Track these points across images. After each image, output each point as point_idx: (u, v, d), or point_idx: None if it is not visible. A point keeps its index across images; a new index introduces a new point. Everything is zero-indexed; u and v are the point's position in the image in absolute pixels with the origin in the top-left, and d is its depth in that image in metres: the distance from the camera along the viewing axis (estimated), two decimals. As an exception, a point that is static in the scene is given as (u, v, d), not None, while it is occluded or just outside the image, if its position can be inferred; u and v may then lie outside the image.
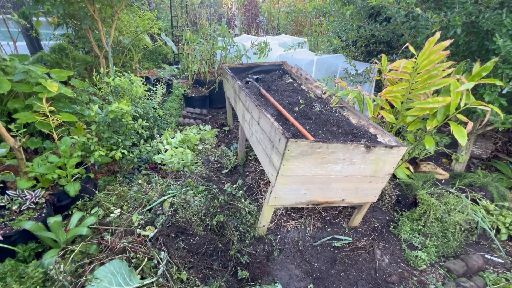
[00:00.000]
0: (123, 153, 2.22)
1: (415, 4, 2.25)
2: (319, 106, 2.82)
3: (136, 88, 2.66)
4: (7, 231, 1.76)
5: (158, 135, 3.44)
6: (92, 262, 1.68)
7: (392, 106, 2.90)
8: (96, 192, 2.35)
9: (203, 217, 2.09)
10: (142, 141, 2.62)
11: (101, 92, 2.83)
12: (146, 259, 1.63)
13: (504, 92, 2.57)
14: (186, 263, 1.80)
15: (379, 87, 4.03)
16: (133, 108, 2.49)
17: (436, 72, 2.17)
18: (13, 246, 1.70)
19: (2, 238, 1.63)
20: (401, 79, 2.39)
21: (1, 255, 1.66)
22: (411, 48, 2.18)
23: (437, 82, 2.22)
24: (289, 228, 2.42)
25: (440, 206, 2.40)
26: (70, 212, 2.19)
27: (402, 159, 3.26)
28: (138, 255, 1.61)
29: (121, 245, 1.66)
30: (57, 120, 2.58)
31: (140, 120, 2.60)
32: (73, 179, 2.22)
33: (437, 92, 2.70)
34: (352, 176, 2.03)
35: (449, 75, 2.22)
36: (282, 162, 1.77)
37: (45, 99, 2.54)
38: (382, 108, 2.84)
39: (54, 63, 4.50)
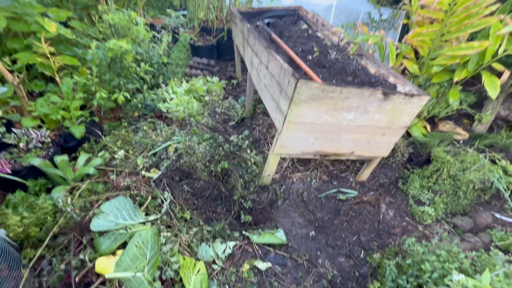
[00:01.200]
0: (126, 97, 2.15)
1: None
2: (335, 54, 2.56)
3: (137, 27, 2.47)
4: (16, 167, 1.80)
5: (164, 85, 3.32)
6: (99, 200, 1.73)
7: (416, 57, 2.62)
8: (102, 136, 2.35)
9: (207, 163, 2.07)
10: (146, 87, 2.52)
11: (101, 34, 2.66)
12: (150, 197, 1.66)
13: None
14: (190, 205, 1.83)
15: (403, 36, 3.63)
16: (134, 48, 2.33)
17: (477, 9, 1.86)
18: (23, 180, 1.75)
19: (10, 172, 1.68)
20: (433, 20, 2.08)
21: (12, 188, 1.72)
22: (451, -22, 1.84)
23: (475, 22, 1.92)
24: (295, 180, 2.40)
25: (455, 164, 2.28)
26: (77, 154, 2.22)
27: (419, 116, 3.06)
28: (142, 193, 1.63)
29: (125, 183, 1.68)
30: (58, 62, 2.49)
31: (143, 64, 2.46)
32: (78, 121, 2.20)
33: (471, 40, 2.37)
34: (365, 126, 1.90)
35: (491, 14, 1.90)
36: (291, 107, 1.65)
37: (43, 38, 2.41)
38: (405, 58, 2.57)
39: (54, 6, 4.25)
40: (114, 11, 2.54)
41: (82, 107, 2.32)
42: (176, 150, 2.11)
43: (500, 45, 1.99)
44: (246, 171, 2.32)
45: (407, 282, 1.35)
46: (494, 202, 2.38)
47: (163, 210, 1.62)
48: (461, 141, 3.18)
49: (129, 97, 2.13)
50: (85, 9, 4.36)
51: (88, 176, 1.91)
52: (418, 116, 3.01)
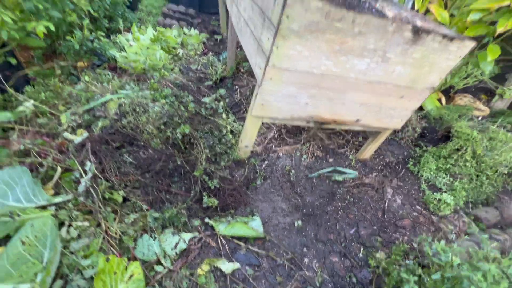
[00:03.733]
0: (48, 28, 1.52)
1: None
2: (342, -8, 1.94)
3: None
4: None
5: (125, 33, 2.64)
6: (-4, 169, 1.18)
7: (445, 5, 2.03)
8: (28, 85, 1.74)
9: (162, 127, 1.52)
10: (86, 22, 1.86)
11: None
12: (60, 169, 1.12)
13: None
14: (132, 182, 1.31)
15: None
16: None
17: None
18: None
19: None
20: None
21: None
22: None
23: None
24: (281, 154, 1.89)
25: (483, 141, 1.80)
26: (-15, 107, 1.63)
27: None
28: (46, 162, 1.10)
29: (22, 146, 1.13)
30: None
31: (83, -9, 1.79)
32: (-16, 62, 1.58)
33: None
34: (380, 83, 1.37)
35: None
36: (276, 41, 1.08)
37: None
38: (430, 3, 1.98)
39: None
40: None
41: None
42: (120, 106, 1.54)
43: None
44: (218, 141, 1.79)
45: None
46: (520, 190, 1.96)
47: (80, 188, 1.10)
48: (479, 118, 2.71)
49: (52, 28, 1.50)
50: None
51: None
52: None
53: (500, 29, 1.67)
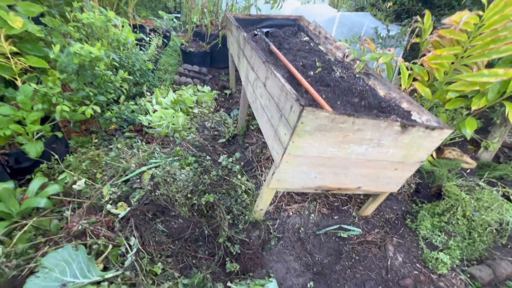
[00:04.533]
0: (95, 111, 1.81)
1: None
2: (339, 71, 2.30)
3: (115, 29, 2.14)
4: None
5: (148, 94, 2.98)
6: (49, 242, 1.37)
7: (428, 78, 2.39)
8: (67, 154, 1.99)
9: (189, 195, 1.74)
10: (123, 98, 2.18)
11: (76, 33, 2.31)
12: (111, 246, 1.31)
13: None
14: (164, 250, 1.49)
15: (410, 55, 3.43)
16: (108, 53, 1.99)
17: (506, 33, 1.63)
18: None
19: None
20: (456, 41, 1.85)
21: None
22: (483, -5, 1.61)
23: (502, 48, 1.69)
24: (291, 213, 2.09)
25: (471, 202, 2.03)
26: (32, 177, 1.85)
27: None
28: (100, 241, 1.29)
29: (80, 227, 1.33)
30: (21, 64, 2.12)
31: (121, 72, 2.12)
32: (36, 137, 1.83)
33: (490, 66, 2.16)
34: (377, 161, 1.63)
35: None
36: (292, 138, 1.35)
37: (3, 35, 2.05)
38: (415, 80, 2.33)
39: (32, -1, 3.86)
40: (91, 8, 2.21)
41: (45, 119, 1.96)
42: (152, 177, 1.77)
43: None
44: (235, 201, 2.00)
45: None
46: (510, 245, 2.14)
47: (126, 263, 1.28)
48: (468, 170, 2.97)
49: (99, 110, 1.79)
50: (69, 4, 3.99)
51: (39, 209, 1.55)
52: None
53: (474, 107, 1.98)
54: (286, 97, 1.42)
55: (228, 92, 3.79)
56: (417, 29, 2.32)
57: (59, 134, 1.91)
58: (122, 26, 2.60)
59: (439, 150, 3.14)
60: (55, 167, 1.89)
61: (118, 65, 2.18)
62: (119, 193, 1.64)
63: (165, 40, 4.37)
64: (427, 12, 2.21)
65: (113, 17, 2.17)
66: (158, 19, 4.58)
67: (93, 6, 2.43)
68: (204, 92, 3.44)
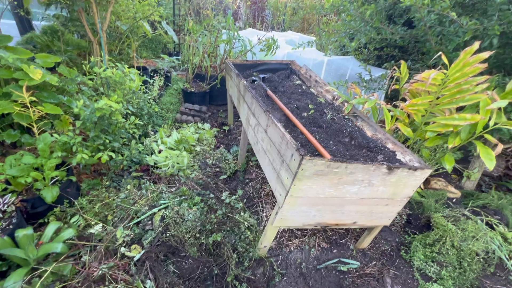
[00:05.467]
0: (110, 156, 1.96)
1: (450, 9, 2.00)
2: (330, 113, 2.58)
3: (129, 82, 2.38)
4: (-34, 245, 1.49)
5: (152, 132, 3.16)
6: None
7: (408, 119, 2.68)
8: (78, 198, 2.09)
9: (197, 235, 1.85)
10: (133, 142, 2.35)
11: (91, 82, 2.53)
12: (129, 290, 1.39)
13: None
14: (176, 291, 1.56)
15: (391, 95, 3.80)
16: (125, 105, 2.21)
17: (468, 86, 1.94)
18: (-29, 264, 1.44)
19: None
20: (428, 91, 2.15)
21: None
22: (444, 58, 1.94)
23: (467, 97, 1.99)
24: (292, 248, 2.20)
25: (457, 233, 2.19)
26: (46, 220, 1.93)
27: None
28: (118, 287, 1.37)
29: (100, 272, 1.41)
30: (39, 112, 2.30)
31: (132, 118, 2.32)
32: (51, 182, 1.95)
33: (461, 108, 2.48)
34: (369, 198, 1.81)
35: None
36: (294, 182, 1.53)
37: (25, 87, 2.25)
38: (397, 120, 2.62)
39: (45, 46, 4.15)
40: (107, 63, 2.46)
41: (59, 165, 2.09)
42: (162, 218, 1.88)
43: (490, 118, 2.06)
44: (239, 238, 2.10)
45: None
46: (498, 273, 2.27)
47: (143, 307, 1.36)
48: (454, 200, 3.17)
49: (114, 156, 1.94)
50: (78, 49, 4.29)
51: (55, 254, 1.62)
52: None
53: (450, 145, 2.24)
54: (287, 145, 1.62)
55: (226, 128, 4.01)
56: (396, 76, 2.66)
57: (73, 178, 2.04)
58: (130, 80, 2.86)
59: (426, 180, 3.36)
60: (67, 210, 1.98)
61: (129, 112, 2.38)
62: (132, 235, 1.74)
63: (166, 80, 4.69)
64: (402, 63, 2.57)
65: (128, 73, 2.41)
66: (159, 60, 4.94)
67: (109, 60, 2.69)
68: (204, 129, 3.65)
